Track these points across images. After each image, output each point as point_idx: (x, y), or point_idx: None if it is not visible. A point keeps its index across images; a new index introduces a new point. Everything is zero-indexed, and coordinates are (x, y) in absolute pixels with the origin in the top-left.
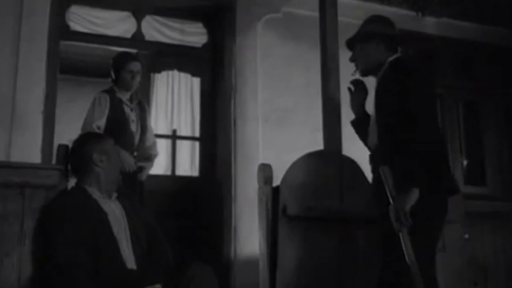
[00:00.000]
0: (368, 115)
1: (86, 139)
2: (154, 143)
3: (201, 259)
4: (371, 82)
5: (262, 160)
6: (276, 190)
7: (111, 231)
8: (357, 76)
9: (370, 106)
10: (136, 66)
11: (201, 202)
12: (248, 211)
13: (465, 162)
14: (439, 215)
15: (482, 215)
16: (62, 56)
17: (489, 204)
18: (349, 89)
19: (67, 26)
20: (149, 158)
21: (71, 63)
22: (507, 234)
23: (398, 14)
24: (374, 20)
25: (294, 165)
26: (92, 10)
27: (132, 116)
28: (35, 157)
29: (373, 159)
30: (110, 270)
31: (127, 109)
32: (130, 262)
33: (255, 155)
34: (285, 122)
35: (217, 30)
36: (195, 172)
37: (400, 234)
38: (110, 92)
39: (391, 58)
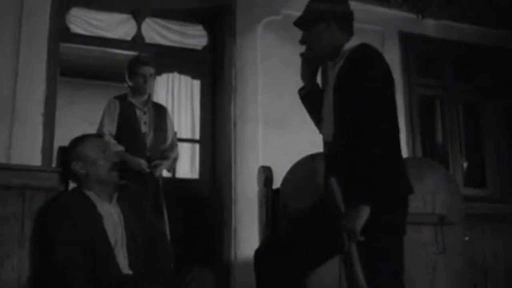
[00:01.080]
0: (320, 89)
1: (69, 146)
2: (174, 145)
3: (201, 261)
4: None
5: (262, 162)
6: (276, 192)
7: (105, 234)
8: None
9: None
10: (148, 70)
11: (201, 204)
12: (248, 213)
13: (465, 164)
14: (398, 225)
15: (482, 217)
16: (62, 58)
17: (489, 206)
18: (302, 55)
19: (67, 28)
20: (166, 158)
21: (71, 65)
22: (507, 235)
23: (398, 16)
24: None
25: (295, 167)
26: (92, 12)
27: (145, 118)
28: (35, 160)
29: (327, 162)
30: (105, 274)
31: (139, 112)
32: (124, 267)
33: (255, 157)
34: (285, 124)
35: (217, 32)
36: (195, 174)
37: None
38: (121, 97)
39: (352, 45)
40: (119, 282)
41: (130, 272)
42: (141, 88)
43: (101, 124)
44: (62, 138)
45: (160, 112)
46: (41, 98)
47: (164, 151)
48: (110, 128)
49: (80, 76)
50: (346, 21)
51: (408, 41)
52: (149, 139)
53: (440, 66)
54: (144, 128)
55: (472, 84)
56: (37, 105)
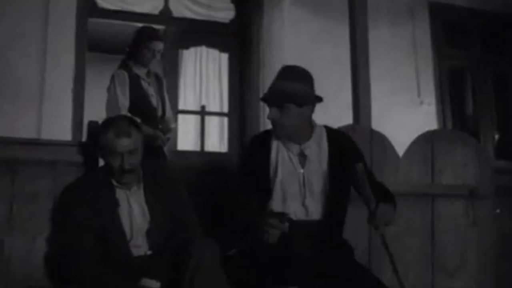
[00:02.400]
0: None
1: (98, 129)
2: (172, 116)
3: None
4: None
5: None
6: None
7: (119, 221)
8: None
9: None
10: (159, 46)
11: (230, 177)
12: None
13: (496, 136)
14: None
15: None
16: (90, 34)
17: None
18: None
19: (95, 3)
20: (170, 130)
21: (99, 40)
22: None
23: None
24: (309, 79)
25: None
26: None
27: (151, 90)
28: (65, 135)
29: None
30: (117, 257)
31: (145, 84)
32: (144, 249)
33: None
34: None
35: (244, 5)
36: (224, 148)
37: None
38: (126, 68)
39: (323, 125)
40: (129, 264)
41: (149, 252)
42: (147, 62)
43: (116, 96)
44: (92, 113)
45: (159, 83)
46: (70, 73)
47: (168, 122)
48: (125, 101)
49: (108, 51)
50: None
51: (437, 12)
52: (159, 113)
53: (470, 37)
54: (153, 102)
55: (502, 56)
56: (66, 80)
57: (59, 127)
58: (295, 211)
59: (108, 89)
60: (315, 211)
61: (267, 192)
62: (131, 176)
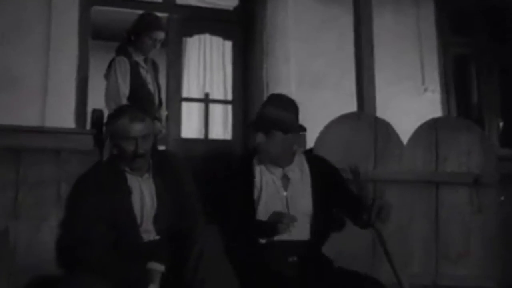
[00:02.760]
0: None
1: (107, 118)
2: (163, 104)
3: None
4: None
5: None
6: (309, 152)
7: (131, 208)
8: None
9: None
10: (160, 35)
11: (234, 165)
12: None
13: (500, 124)
14: None
15: None
16: (94, 22)
17: None
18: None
19: None
20: (161, 118)
21: (103, 28)
22: None
23: None
24: (295, 108)
25: (328, 128)
26: None
27: (148, 78)
28: (69, 122)
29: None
30: (127, 243)
31: (143, 72)
32: (152, 235)
33: None
34: (318, 85)
35: None
36: (228, 136)
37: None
38: (126, 54)
39: (303, 150)
40: (139, 250)
41: (158, 237)
42: (147, 50)
43: (117, 84)
44: (95, 101)
45: (156, 69)
46: (73, 61)
47: (163, 110)
48: (125, 89)
49: (112, 39)
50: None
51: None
52: (156, 101)
53: (475, 25)
54: (151, 89)
55: (507, 44)
56: (70, 68)
57: (62, 115)
58: None
59: (107, 76)
60: (299, 232)
61: (252, 215)
62: (143, 161)
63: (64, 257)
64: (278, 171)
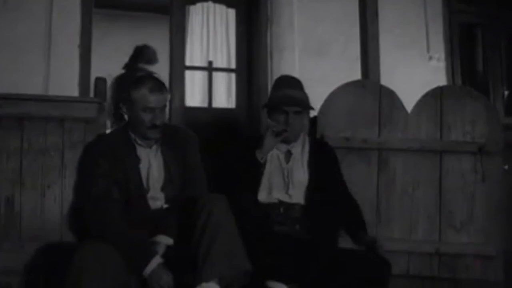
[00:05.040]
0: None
1: (128, 84)
2: None
3: None
4: None
5: None
6: (313, 121)
7: (140, 177)
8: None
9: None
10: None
11: (238, 133)
12: None
13: (506, 93)
14: None
15: None
16: None
17: None
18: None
19: None
20: None
21: None
22: None
23: None
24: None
25: (332, 95)
26: None
27: None
28: (73, 91)
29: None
30: (136, 209)
31: None
32: (160, 203)
33: None
34: (322, 52)
35: None
36: (232, 104)
37: None
38: None
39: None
40: (147, 216)
41: (165, 206)
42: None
43: None
44: (99, 69)
45: None
46: (77, 29)
47: None
48: None
49: (115, 7)
50: None
51: None
52: None
53: None
54: None
55: None
56: (73, 36)
57: (66, 83)
58: (281, 198)
59: None
60: (296, 197)
61: (256, 184)
62: (158, 132)
63: (77, 221)
64: (283, 147)
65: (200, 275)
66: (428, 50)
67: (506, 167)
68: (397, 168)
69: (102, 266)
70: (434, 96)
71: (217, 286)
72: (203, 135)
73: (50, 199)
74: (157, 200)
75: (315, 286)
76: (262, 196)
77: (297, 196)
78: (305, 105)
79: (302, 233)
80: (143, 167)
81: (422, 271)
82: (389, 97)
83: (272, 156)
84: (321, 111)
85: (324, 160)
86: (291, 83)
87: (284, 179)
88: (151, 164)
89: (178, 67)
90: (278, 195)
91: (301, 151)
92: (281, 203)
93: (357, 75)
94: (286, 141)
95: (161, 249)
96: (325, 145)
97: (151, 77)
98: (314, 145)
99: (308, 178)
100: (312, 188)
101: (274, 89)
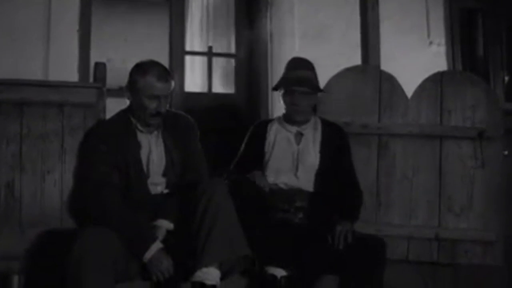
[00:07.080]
0: None
1: (132, 69)
2: None
3: None
4: None
5: None
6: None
7: (140, 162)
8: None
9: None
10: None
11: (237, 118)
12: None
13: (506, 78)
14: None
15: None
16: None
17: None
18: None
19: None
20: None
21: None
22: None
23: None
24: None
25: (332, 80)
26: None
27: None
28: (72, 76)
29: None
30: (136, 194)
31: None
32: (161, 188)
33: None
34: (323, 37)
35: None
36: (231, 89)
37: None
38: None
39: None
40: (147, 201)
41: (166, 191)
42: None
43: None
44: (99, 55)
45: None
46: (75, 14)
47: None
48: None
49: None
50: None
51: None
52: None
53: None
54: None
55: None
56: (72, 22)
57: (65, 68)
58: (288, 181)
59: None
60: (305, 182)
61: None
62: (159, 119)
63: (78, 206)
64: (293, 129)
65: (200, 260)
66: (428, 35)
67: (506, 152)
68: (397, 153)
69: (102, 252)
70: (434, 82)
71: (217, 271)
72: (203, 120)
73: (50, 185)
74: (157, 185)
75: (313, 270)
76: (269, 180)
77: (305, 180)
78: (312, 86)
79: (303, 220)
80: (143, 152)
81: (421, 256)
82: (389, 82)
83: (282, 139)
84: (321, 95)
85: (337, 146)
86: (300, 64)
87: (293, 161)
88: (152, 149)
89: (178, 52)
90: (285, 178)
91: (313, 133)
92: (286, 190)
93: (357, 60)
94: (296, 123)
95: (161, 234)
96: (340, 131)
97: (157, 63)
98: (327, 128)
99: (319, 162)
100: (321, 174)
101: (285, 71)
